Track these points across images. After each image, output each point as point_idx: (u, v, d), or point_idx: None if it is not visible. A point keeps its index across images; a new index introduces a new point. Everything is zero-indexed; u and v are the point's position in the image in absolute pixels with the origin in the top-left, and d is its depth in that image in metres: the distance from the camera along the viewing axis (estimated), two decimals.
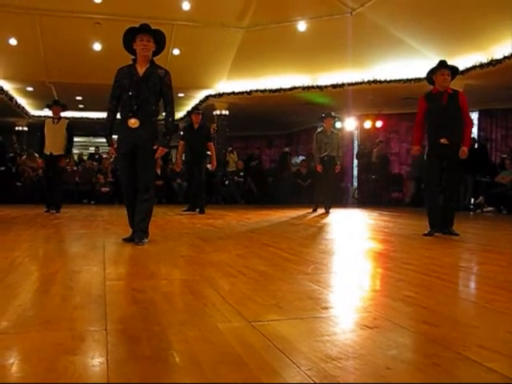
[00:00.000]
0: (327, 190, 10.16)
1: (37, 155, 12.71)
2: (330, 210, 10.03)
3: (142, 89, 4.46)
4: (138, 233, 4.48)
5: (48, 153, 8.65)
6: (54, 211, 8.64)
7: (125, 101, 4.50)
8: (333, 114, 10.37)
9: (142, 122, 4.46)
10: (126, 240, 4.59)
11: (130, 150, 4.50)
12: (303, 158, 17.30)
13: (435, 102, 5.63)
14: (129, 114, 4.47)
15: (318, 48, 12.02)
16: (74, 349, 1.68)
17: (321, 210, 10.08)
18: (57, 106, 8.95)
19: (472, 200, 12.03)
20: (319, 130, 10.15)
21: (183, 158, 9.83)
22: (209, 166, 10.65)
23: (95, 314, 2.12)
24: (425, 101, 5.74)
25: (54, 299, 2.41)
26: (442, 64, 5.72)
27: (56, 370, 1.48)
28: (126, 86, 4.47)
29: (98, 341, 1.76)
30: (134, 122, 4.44)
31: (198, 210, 9.25)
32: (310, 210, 10.30)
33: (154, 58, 4.61)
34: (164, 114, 4.67)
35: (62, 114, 8.98)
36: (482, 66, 10.41)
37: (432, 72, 5.74)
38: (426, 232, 5.61)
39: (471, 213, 11.26)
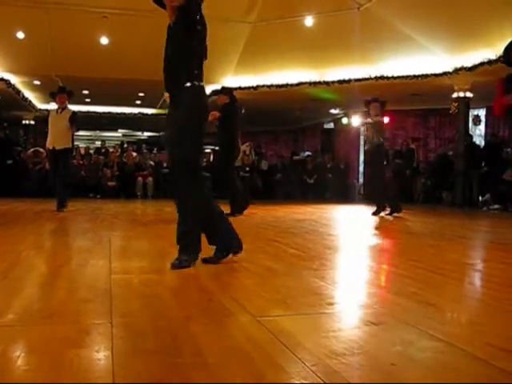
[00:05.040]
0: (376, 185, 8.63)
1: (42, 150, 12.65)
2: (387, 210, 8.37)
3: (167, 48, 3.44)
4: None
5: (50, 147, 7.80)
6: (60, 210, 7.71)
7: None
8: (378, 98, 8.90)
9: None
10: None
11: None
12: (309, 153, 17.24)
13: None
14: None
15: (325, 43, 11.96)
16: (79, 342, 1.68)
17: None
18: (63, 93, 8.05)
19: (480, 198, 12.00)
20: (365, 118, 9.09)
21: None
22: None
23: (101, 308, 2.13)
24: None
25: (60, 292, 2.42)
26: None
27: (61, 363, 1.49)
28: None
29: (104, 334, 1.77)
30: None
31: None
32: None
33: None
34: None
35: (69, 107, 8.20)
36: (490, 62, 10.33)
37: None
38: None
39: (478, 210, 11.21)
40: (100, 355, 1.57)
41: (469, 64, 10.89)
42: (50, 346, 1.65)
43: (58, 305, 2.19)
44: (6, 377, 1.39)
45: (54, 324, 1.89)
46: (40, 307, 2.16)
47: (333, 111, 16.55)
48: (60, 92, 8.10)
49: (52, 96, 8.23)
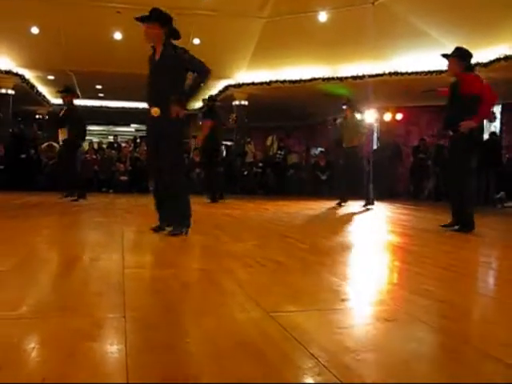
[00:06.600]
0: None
1: (55, 144, 12.77)
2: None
3: (158, 73, 4.29)
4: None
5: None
6: (75, 198, 8.60)
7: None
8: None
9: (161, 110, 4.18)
10: None
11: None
12: (321, 149, 17.16)
13: None
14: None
15: (338, 39, 11.93)
16: (92, 335, 1.69)
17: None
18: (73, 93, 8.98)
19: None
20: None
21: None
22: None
23: (114, 301, 2.13)
24: None
25: (73, 285, 2.43)
26: None
27: (75, 356, 1.50)
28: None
29: (117, 328, 1.77)
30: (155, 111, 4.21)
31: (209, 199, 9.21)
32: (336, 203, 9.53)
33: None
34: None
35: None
36: (506, 58, 10.22)
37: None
38: None
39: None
40: (113, 349, 1.57)
41: (484, 60, 10.77)
42: (63, 339, 1.65)
43: (71, 298, 2.20)
44: (20, 369, 1.40)
45: (67, 317, 1.90)
46: (54, 300, 2.18)
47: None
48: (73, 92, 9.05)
49: (69, 94, 8.88)
